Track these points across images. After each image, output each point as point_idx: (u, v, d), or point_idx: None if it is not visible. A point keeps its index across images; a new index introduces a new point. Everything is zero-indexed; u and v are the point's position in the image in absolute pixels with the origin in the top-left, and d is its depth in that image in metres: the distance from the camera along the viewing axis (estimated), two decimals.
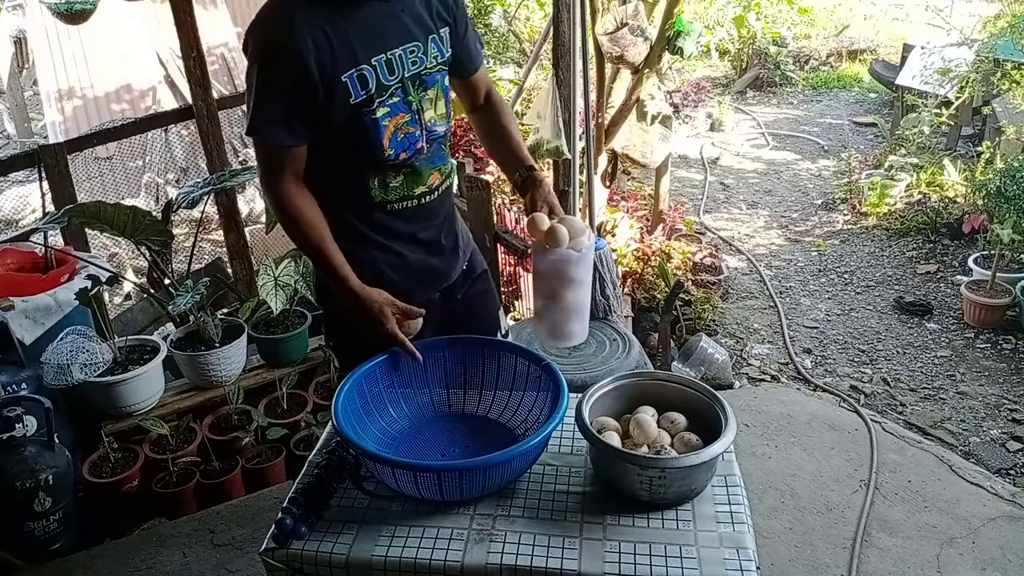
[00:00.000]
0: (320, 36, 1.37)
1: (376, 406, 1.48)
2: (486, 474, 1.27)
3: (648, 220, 4.56)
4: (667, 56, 3.74)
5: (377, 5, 1.44)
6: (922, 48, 5.99)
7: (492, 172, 3.85)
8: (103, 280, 2.57)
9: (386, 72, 1.45)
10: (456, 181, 1.79)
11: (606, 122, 3.80)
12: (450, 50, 1.57)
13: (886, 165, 5.28)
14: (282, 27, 1.37)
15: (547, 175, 1.58)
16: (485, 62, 1.76)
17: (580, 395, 1.39)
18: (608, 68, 3.80)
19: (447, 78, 1.59)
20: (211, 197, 2.92)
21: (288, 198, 1.47)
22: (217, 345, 2.65)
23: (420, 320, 1.53)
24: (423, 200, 1.58)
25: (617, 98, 3.80)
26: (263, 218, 4.80)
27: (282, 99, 1.40)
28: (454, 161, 1.71)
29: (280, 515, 1.26)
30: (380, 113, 1.45)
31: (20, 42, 7.94)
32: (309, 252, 1.53)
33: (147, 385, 2.57)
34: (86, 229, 2.91)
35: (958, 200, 4.75)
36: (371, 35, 1.43)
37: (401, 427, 1.50)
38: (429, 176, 1.58)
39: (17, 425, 2.23)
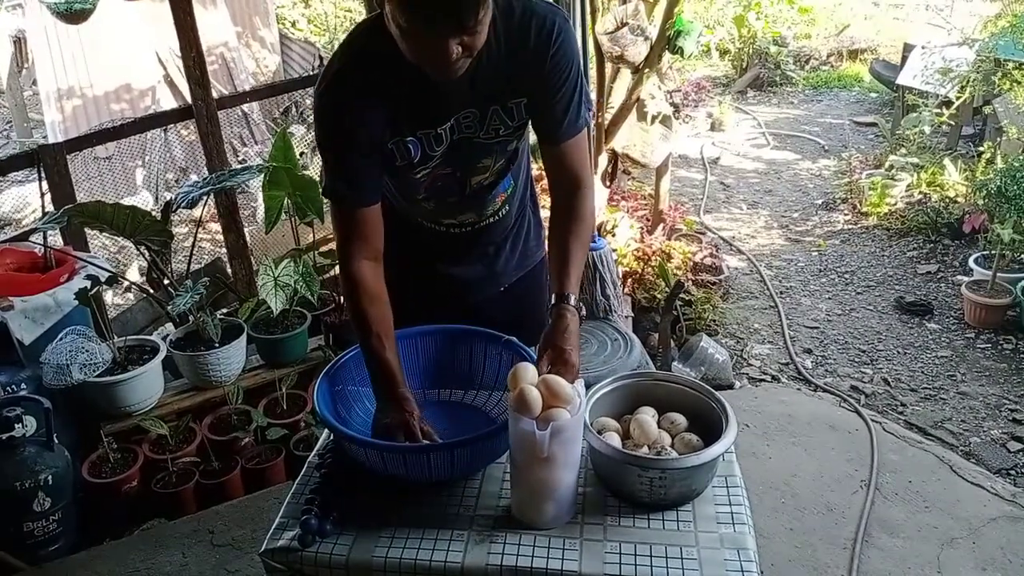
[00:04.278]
0: (370, 105, 1.35)
1: (361, 391, 1.49)
2: (465, 451, 1.28)
3: (648, 220, 4.56)
4: (667, 56, 3.73)
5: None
6: (923, 48, 5.98)
7: None
8: (102, 280, 2.56)
9: (432, 144, 1.40)
10: (514, 211, 1.67)
11: (606, 122, 3.80)
12: (526, 117, 1.43)
13: (887, 165, 5.27)
14: (335, 95, 1.36)
15: (576, 317, 1.37)
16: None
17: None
18: (608, 68, 3.80)
19: (516, 144, 1.48)
20: (210, 197, 2.92)
21: (354, 272, 1.41)
22: (216, 345, 2.64)
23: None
24: (451, 230, 1.60)
25: (617, 98, 3.80)
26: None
27: (347, 163, 1.39)
28: (505, 204, 1.63)
29: (303, 515, 1.26)
30: (421, 174, 1.46)
31: (19, 42, 7.94)
32: (361, 337, 1.41)
33: (146, 385, 2.57)
34: (85, 229, 2.91)
35: (959, 200, 4.74)
36: (421, 107, 1.36)
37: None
38: (462, 214, 1.57)
39: (16, 425, 2.24)
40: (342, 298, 1.52)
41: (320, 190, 1.49)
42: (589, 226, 1.47)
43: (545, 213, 1.59)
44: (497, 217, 1.61)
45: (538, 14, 1.35)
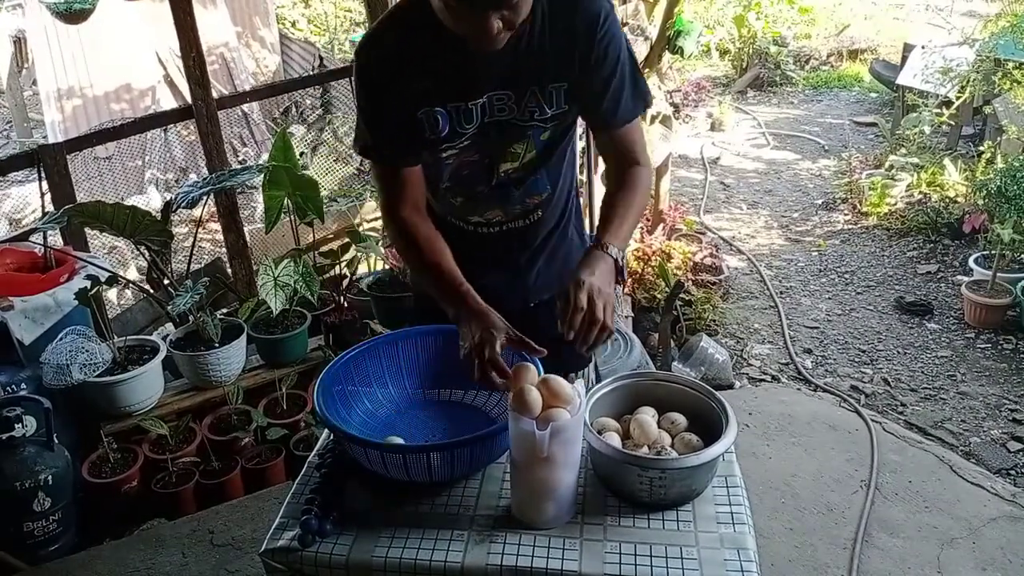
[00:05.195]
0: (406, 69, 1.35)
1: (361, 391, 1.48)
2: (467, 451, 1.27)
3: (648, 220, 4.56)
4: (667, 56, 3.74)
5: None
6: (923, 48, 5.98)
7: None
8: (102, 280, 2.57)
9: (462, 120, 1.38)
10: (549, 219, 1.61)
11: None
12: (565, 107, 1.40)
13: (887, 165, 5.27)
14: (374, 54, 1.38)
15: (607, 260, 1.32)
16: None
17: None
18: None
19: (551, 136, 1.45)
20: (210, 197, 2.92)
21: (399, 223, 1.45)
22: (216, 345, 2.64)
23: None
24: (479, 229, 1.56)
25: None
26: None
27: (375, 122, 1.42)
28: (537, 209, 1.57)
29: (303, 515, 1.25)
30: (447, 154, 1.44)
31: (19, 42, 7.94)
32: (423, 272, 1.45)
33: (146, 385, 2.57)
34: (85, 229, 2.91)
35: (959, 200, 4.74)
36: (456, 79, 1.35)
37: (385, 413, 1.50)
38: (489, 210, 1.53)
39: (16, 425, 2.24)
40: (394, 250, 1.48)
41: (353, 149, 1.49)
42: (640, 193, 1.44)
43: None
44: (528, 221, 1.56)
45: None
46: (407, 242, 1.46)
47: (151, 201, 5.60)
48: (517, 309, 1.54)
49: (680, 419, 1.38)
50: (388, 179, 1.46)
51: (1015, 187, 3.56)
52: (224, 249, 3.42)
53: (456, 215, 1.57)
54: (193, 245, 3.02)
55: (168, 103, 6.40)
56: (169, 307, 2.61)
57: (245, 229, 3.39)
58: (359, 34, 8.17)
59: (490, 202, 1.52)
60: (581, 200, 1.71)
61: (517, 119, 1.40)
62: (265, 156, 3.51)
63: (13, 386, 2.39)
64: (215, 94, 3.19)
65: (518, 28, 1.26)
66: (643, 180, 1.45)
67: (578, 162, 1.60)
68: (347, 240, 2.97)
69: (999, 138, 4.85)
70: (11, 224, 5.44)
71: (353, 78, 1.43)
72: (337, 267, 3.03)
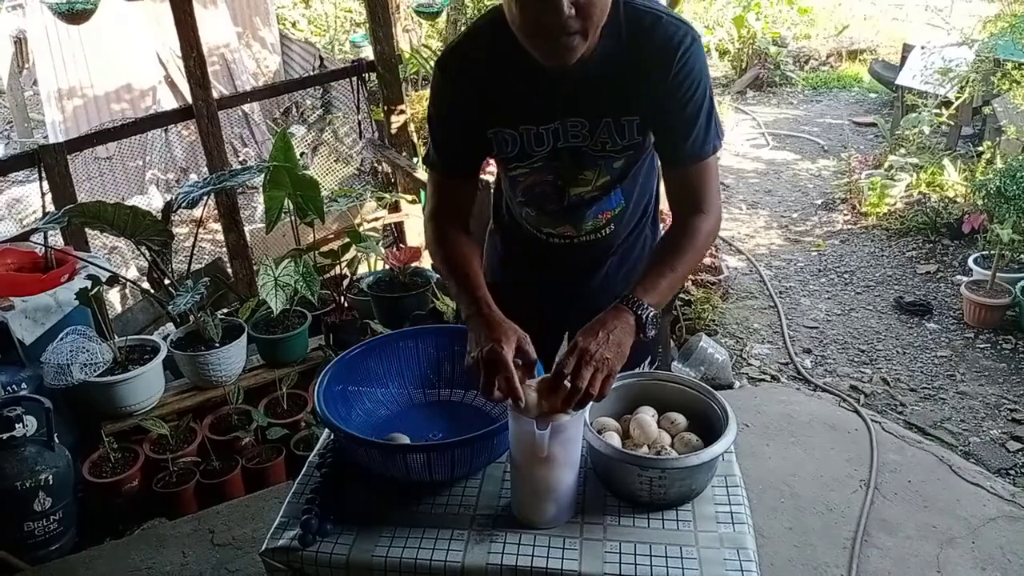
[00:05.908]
0: (480, 86, 1.36)
1: (361, 391, 1.49)
2: (467, 450, 1.27)
3: None
4: None
5: (551, 73, 1.29)
6: (922, 48, 5.98)
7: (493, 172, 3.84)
8: (103, 280, 2.57)
9: (533, 143, 1.39)
10: (622, 231, 1.59)
11: None
12: (639, 138, 1.38)
13: (886, 165, 5.27)
14: (451, 69, 1.40)
15: (623, 322, 1.25)
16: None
17: None
18: None
19: (624, 163, 1.43)
20: (211, 197, 2.92)
21: (439, 237, 1.47)
22: (217, 345, 2.65)
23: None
24: (550, 239, 1.57)
25: None
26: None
27: (443, 136, 1.45)
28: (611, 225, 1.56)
29: (303, 515, 1.26)
30: (516, 172, 1.46)
31: (20, 42, 7.94)
32: (447, 272, 1.44)
33: (147, 385, 2.57)
34: (86, 229, 2.91)
35: (958, 200, 4.74)
36: (528, 101, 1.35)
37: (385, 413, 1.51)
38: (560, 226, 1.54)
39: (17, 425, 2.24)
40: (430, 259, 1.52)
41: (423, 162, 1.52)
42: (697, 248, 1.36)
43: None
44: (599, 235, 1.56)
45: (667, 28, 1.30)
46: (440, 246, 1.48)
47: (152, 201, 5.61)
48: (577, 311, 1.46)
49: (680, 419, 1.38)
50: (440, 190, 1.50)
51: (1014, 187, 3.56)
52: (224, 249, 3.42)
53: (530, 224, 1.59)
54: (194, 245, 3.03)
55: (169, 103, 6.40)
56: (170, 307, 2.61)
57: (245, 229, 3.39)
58: (359, 34, 8.17)
59: (561, 219, 1.53)
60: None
61: (590, 148, 1.39)
62: (266, 156, 3.51)
63: (14, 386, 2.39)
64: (215, 94, 3.20)
65: (593, 50, 1.27)
66: (703, 232, 1.37)
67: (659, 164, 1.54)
68: (347, 240, 2.97)
69: (998, 138, 4.85)
70: (18, 224, 5.44)
71: (430, 89, 1.46)
72: (337, 267, 3.03)
